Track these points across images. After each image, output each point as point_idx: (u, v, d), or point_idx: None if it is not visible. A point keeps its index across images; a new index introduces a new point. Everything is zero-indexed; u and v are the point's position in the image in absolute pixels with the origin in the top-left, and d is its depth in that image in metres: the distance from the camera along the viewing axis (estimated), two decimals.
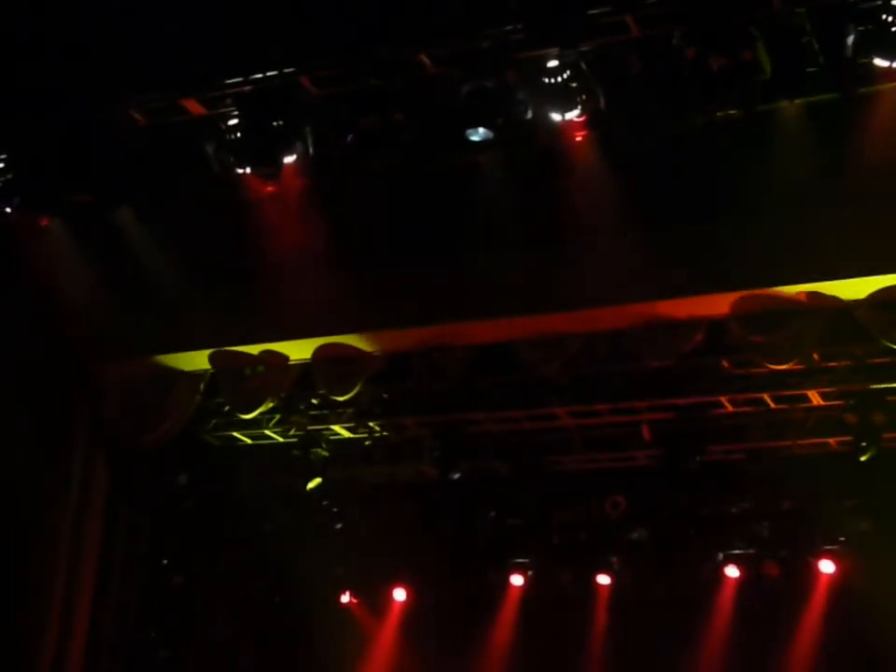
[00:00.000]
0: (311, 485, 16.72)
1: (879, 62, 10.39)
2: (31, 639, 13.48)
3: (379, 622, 18.79)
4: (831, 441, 15.50)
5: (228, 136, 11.92)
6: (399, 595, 18.54)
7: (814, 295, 11.75)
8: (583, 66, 10.93)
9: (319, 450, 16.53)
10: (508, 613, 18.20)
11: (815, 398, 14.68)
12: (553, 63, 10.93)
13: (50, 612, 13.61)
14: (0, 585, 13.34)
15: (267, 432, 16.10)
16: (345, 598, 18.75)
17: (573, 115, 11.18)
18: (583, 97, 11.03)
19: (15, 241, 13.23)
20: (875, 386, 14.10)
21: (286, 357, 13.53)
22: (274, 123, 11.68)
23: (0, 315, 13.73)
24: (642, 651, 17.26)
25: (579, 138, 11.82)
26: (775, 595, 16.98)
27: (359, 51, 11.33)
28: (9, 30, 12.03)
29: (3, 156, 12.48)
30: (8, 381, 13.61)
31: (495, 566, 17.97)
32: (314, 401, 15.66)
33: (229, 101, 11.88)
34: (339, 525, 18.26)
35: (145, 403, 13.92)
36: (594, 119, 11.48)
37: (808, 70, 10.80)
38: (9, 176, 12.45)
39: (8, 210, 12.63)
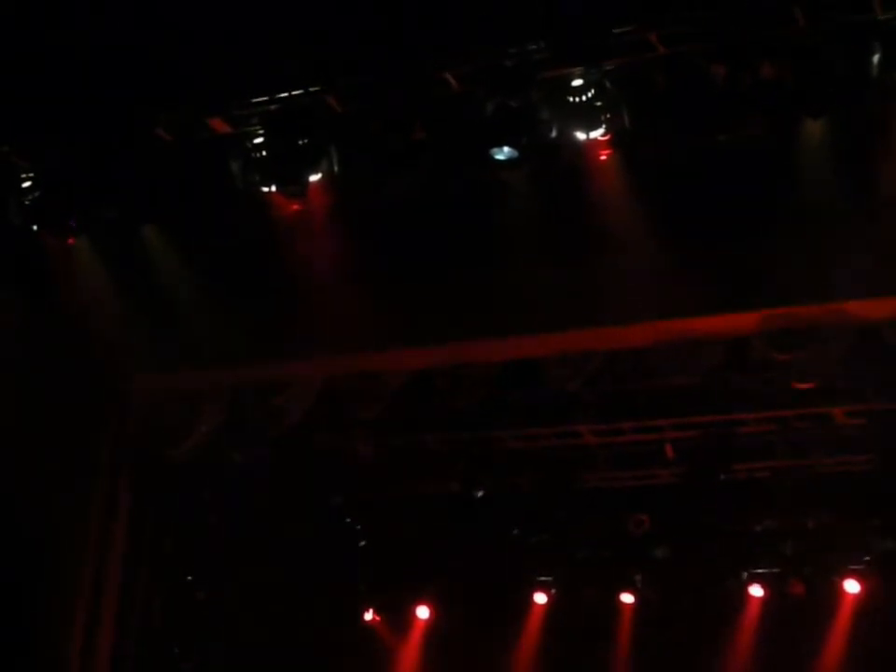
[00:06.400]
0: None
1: None
2: (56, 656, 13.51)
3: (402, 639, 18.79)
4: (855, 459, 15.46)
5: (253, 155, 11.94)
6: (423, 612, 18.53)
7: (839, 313, 11.71)
8: (608, 85, 10.91)
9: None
10: (531, 631, 18.17)
11: (839, 416, 14.63)
12: (577, 82, 10.90)
13: (74, 627, 13.64)
14: (26, 599, 13.37)
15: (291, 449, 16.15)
16: (368, 616, 18.76)
17: (598, 134, 11.15)
18: (608, 116, 11.00)
19: (42, 259, 13.30)
20: None
21: (310, 374, 13.57)
22: (300, 142, 11.71)
23: (26, 332, 13.78)
24: (666, 670, 17.21)
25: (603, 157, 11.82)
26: (799, 615, 16.93)
27: (384, 70, 11.38)
28: (36, 48, 12.11)
29: (30, 174, 12.56)
30: (35, 396, 13.67)
31: (518, 583, 17.95)
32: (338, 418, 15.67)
33: (255, 119, 11.92)
34: (362, 543, 18.28)
35: (170, 419, 13.97)
36: (618, 138, 11.47)
37: (833, 88, 10.77)
38: (36, 194, 12.52)
39: (36, 228, 12.72)
